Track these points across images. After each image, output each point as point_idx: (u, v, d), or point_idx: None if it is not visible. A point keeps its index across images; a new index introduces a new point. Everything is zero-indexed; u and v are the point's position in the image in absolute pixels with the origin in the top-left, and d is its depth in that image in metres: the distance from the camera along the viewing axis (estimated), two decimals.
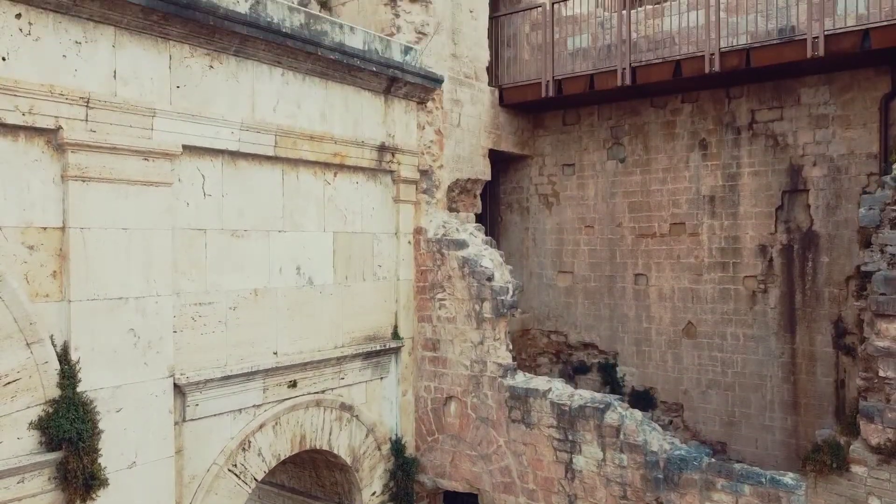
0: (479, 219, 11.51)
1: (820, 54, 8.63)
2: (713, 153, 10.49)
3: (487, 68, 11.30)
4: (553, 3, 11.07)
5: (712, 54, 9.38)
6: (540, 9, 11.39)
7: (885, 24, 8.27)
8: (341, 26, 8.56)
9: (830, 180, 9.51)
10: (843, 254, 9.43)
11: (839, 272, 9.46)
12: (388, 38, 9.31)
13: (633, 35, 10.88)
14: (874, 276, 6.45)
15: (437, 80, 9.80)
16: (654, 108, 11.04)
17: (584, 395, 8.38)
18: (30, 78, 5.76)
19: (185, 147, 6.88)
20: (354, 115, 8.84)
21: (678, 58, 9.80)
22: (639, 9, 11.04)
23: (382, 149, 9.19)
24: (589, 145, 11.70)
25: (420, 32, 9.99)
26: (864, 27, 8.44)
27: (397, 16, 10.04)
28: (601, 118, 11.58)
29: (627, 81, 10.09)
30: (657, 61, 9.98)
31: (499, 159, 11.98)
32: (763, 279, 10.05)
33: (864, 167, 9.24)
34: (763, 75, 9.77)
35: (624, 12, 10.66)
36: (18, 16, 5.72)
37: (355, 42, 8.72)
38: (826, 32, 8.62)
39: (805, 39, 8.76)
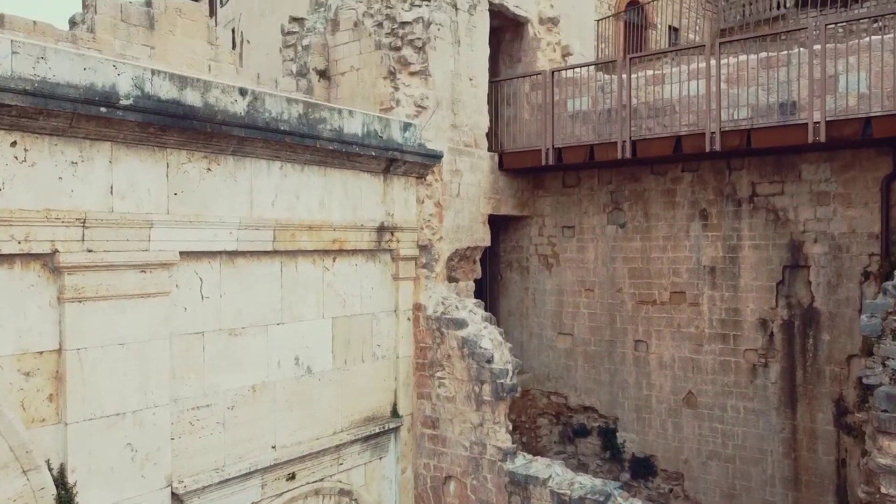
0: (479, 279, 11.45)
1: (821, 140, 8.58)
2: (714, 224, 10.44)
3: (487, 133, 11.25)
4: (552, 71, 11.02)
5: (713, 132, 9.33)
6: (540, 76, 11.33)
7: (886, 114, 8.23)
8: (340, 112, 8.52)
9: (831, 258, 9.47)
10: (844, 332, 9.38)
11: (840, 351, 9.42)
12: (388, 117, 9.27)
13: (634, 101, 10.83)
14: (876, 392, 6.41)
15: (437, 157, 9.77)
16: (655, 175, 11.00)
17: (584, 484, 8.33)
18: (25, 205, 5.73)
19: (182, 253, 6.84)
20: (353, 199, 8.80)
21: (679, 133, 9.75)
22: (639, 74, 10.98)
23: (381, 229, 9.15)
24: (589, 209, 11.65)
25: (419, 106, 9.94)
26: (865, 116, 8.39)
27: (396, 89, 10.00)
28: (601, 182, 11.53)
29: (627, 154, 10.04)
30: (658, 136, 9.92)
31: (498, 218, 11.94)
32: (764, 353, 10.01)
33: (866, 247, 9.19)
34: (764, 150, 9.72)
35: (624, 76, 10.62)
36: (14, 143, 5.69)
37: (354, 126, 8.68)
38: (828, 118, 8.57)
39: (806, 124, 8.70)
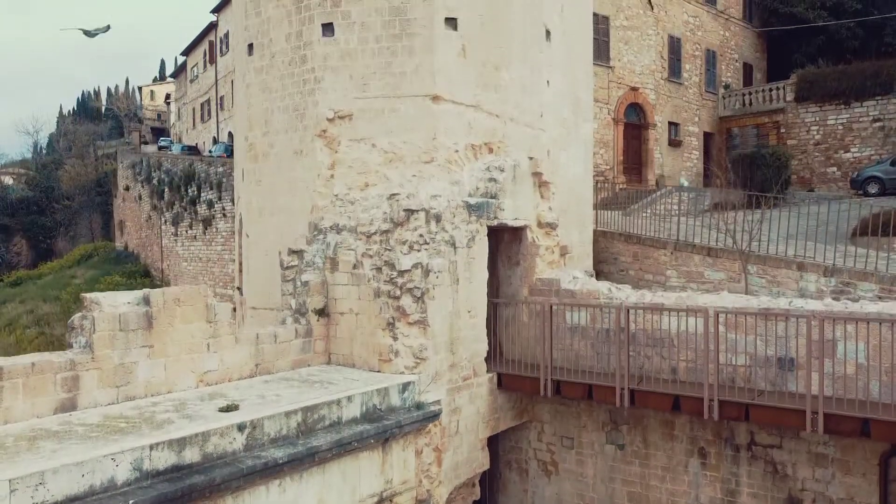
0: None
1: (819, 431, 8.59)
2: (712, 464, 10.44)
3: (486, 357, 11.25)
4: (552, 306, 11.03)
5: (711, 400, 9.33)
6: (539, 305, 11.33)
7: (885, 419, 8.23)
8: (338, 402, 8.54)
9: None
10: None
11: None
12: (385, 384, 9.28)
13: (633, 326, 10.85)
14: None
15: (435, 415, 9.77)
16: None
17: None
18: None
19: None
20: (352, 482, 8.79)
21: (678, 394, 9.75)
22: (639, 302, 10.99)
23: (381, 501, 9.16)
24: (588, 424, 11.65)
25: (418, 357, 9.95)
26: (864, 417, 8.39)
27: (395, 339, 10.01)
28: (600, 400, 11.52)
29: (626, 404, 10.06)
30: (657, 391, 9.92)
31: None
32: None
33: None
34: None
35: (623, 307, 10.62)
36: None
37: (353, 409, 8.71)
38: (825, 411, 8.57)
39: (804, 410, 8.70)
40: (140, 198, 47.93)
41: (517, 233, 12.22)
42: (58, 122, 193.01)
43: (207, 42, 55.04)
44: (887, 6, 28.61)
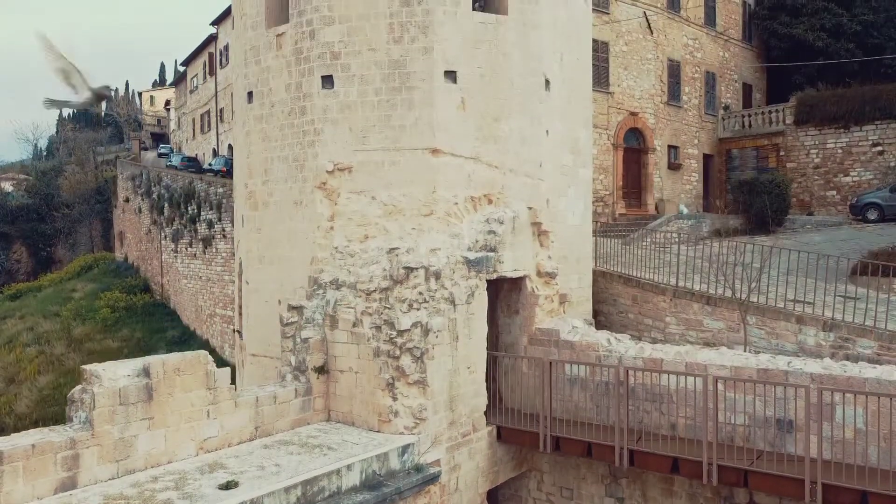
0: None
1: (817, 502, 8.60)
2: None
3: (486, 411, 11.27)
4: (550, 362, 11.05)
5: (710, 464, 9.34)
6: (538, 359, 11.35)
7: (884, 493, 8.24)
8: (338, 472, 8.56)
9: None
10: None
11: None
12: (385, 450, 9.29)
13: (632, 380, 10.86)
14: None
15: (435, 476, 9.79)
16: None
17: None
18: None
19: None
20: None
21: (678, 456, 9.76)
22: (638, 357, 11.00)
23: None
24: (587, 476, 11.66)
25: (418, 418, 9.96)
26: (863, 489, 8.40)
27: (395, 399, 10.03)
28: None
29: (625, 464, 10.07)
30: (656, 453, 9.93)
31: None
32: None
33: None
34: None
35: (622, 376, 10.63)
36: None
37: (353, 477, 8.74)
38: (824, 481, 8.58)
39: (803, 480, 8.71)
40: (140, 210, 47.94)
41: (516, 282, 12.22)
42: (58, 124, 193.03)
43: (207, 54, 55.09)
44: (887, 28, 28.65)
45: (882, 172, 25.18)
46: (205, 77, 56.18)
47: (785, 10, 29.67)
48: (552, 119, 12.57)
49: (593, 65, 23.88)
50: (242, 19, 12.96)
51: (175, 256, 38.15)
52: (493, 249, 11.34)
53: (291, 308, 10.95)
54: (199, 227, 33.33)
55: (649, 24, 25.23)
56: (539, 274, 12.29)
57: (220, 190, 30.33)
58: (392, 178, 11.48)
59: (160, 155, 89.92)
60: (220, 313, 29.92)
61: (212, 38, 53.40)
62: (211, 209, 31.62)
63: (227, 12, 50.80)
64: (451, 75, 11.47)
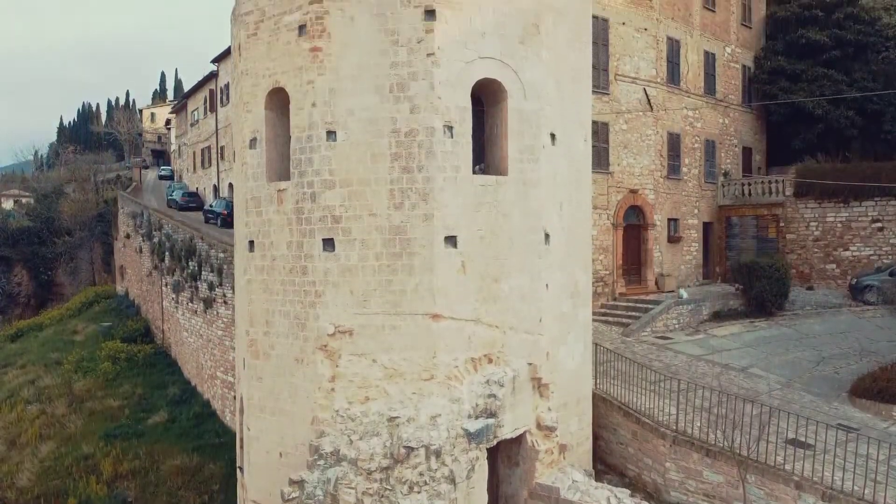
0: None
1: None
2: None
3: None
4: None
5: None
6: None
7: None
8: None
9: None
10: None
11: None
12: None
13: None
14: None
15: None
16: None
17: None
18: None
19: None
20: None
21: None
22: None
23: None
24: None
25: None
26: None
27: None
28: None
29: None
30: None
31: None
32: None
33: None
34: None
35: None
36: None
37: None
38: None
39: None
40: (140, 250, 47.97)
41: (517, 437, 12.28)
42: (58, 132, 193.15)
43: (208, 90, 55.26)
44: (887, 95, 28.72)
45: (882, 249, 25.25)
46: (205, 113, 56.37)
47: (784, 76, 29.75)
48: (552, 272, 12.64)
49: (593, 146, 24.06)
50: (244, 168, 13.02)
51: (176, 307, 38.14)
52: (493, 415, 11.40)
53: (293, 482, 10.99)
54: (199, 286, 33.31)
55: (649, 101, 25.31)
56: (539, 427, 12.35)
57: (222, 255, 30.32)
58: (393, 342, 11.54)
59: (161, 177, 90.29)
60: (221, 377, 29.89)
61: (212, 76, 53.58)
62: (212, 272, 31.61)
63: (226, 52, 50.98)
64: (451, 240, 11.53)
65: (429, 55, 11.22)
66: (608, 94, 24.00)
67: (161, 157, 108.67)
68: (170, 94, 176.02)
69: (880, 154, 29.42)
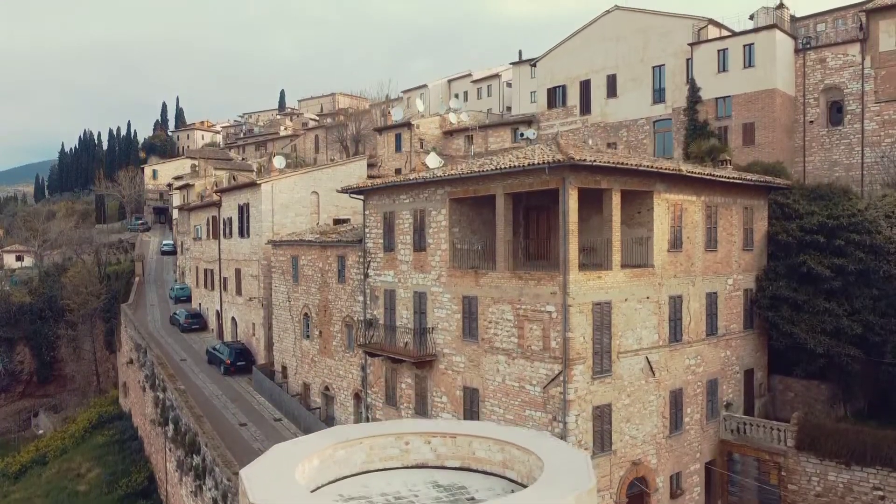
0: None
1: None
2: None
3: None
4: None
5: None
6: None
7: None
8: None
9: None
10: None
11: None
12: None
13: None
14: None
15: None
16: None
17: None
18: None
19: None
20: None
21: None
22: None
23: None
24: None
25: None
26: None
27: None
28: None
29: None
30: None
31: None
32: None
33: None
34: None
35: None
36: None
37: None
38: None
39: None
40: (144, 390, 48.14)
41: None
42: (59, 156, 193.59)
43: (211, 216, 55.54)
44: (888, 330, 28.85)
45: None
46: (208, 234, 56.59)
47: (787, 303, 29.85)
48: None
49: (597, 431, 24.02)
50: None
51: (180, 482, 38.28)
52: None
53: None
54: (203, 487, 33.48)
55: (651, 368, 25.44)
56: None
57: (226, 482, 30.15)
58: None
59: (163, 253, 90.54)
60: None
61: (215, 205, 53.87)
62: (216, 487, 31.73)
63: (226, 189, 51.25)
64: None
65: None
66: (610, 374, 24.12)
67: (163, 214, 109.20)
68: (171, 124, 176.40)
69: (884, 383, 29.55)
